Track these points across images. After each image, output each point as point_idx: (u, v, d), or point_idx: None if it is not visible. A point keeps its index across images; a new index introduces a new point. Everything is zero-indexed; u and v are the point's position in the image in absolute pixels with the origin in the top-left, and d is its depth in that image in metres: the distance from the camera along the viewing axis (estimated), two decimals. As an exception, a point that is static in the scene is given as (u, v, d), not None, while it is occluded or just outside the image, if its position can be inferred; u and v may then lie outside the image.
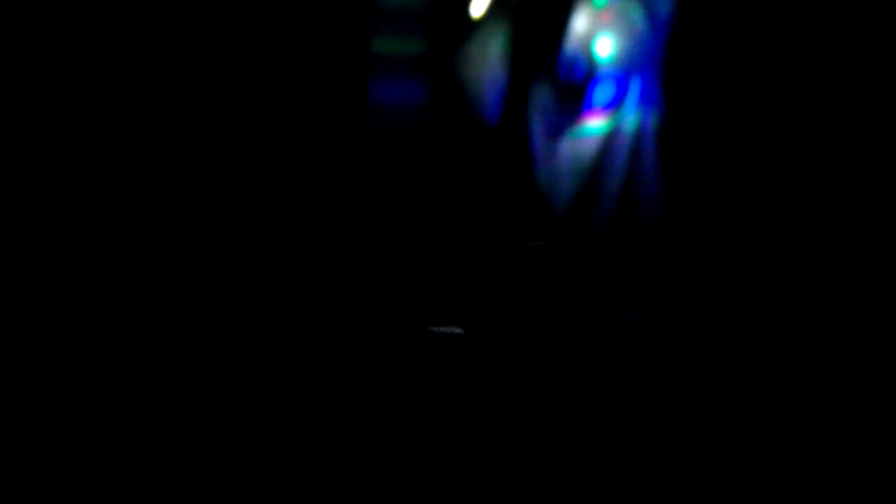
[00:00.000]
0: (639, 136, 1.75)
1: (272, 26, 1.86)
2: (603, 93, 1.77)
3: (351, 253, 1.90)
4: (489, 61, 1.92)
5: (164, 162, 1.81)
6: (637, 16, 1.75)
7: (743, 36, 1.81)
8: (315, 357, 1.84)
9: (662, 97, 1.79)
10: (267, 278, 1.85)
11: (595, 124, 1.77)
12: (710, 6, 1.79)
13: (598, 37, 1.79)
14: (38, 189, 1.73)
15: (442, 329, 1.84)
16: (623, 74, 1.78)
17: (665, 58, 1.77)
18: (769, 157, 1.84)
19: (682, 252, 1.83)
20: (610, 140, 1.78)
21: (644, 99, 1.74)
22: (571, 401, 1.78)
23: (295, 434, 1.78)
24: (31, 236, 1.72)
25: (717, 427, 1.73)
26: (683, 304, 1.80)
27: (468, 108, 1.99)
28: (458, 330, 1.83)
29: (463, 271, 1.98)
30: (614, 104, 1.78)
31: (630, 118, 1.75)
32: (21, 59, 1.70)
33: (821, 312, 1.77)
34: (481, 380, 1.83)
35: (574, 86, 1.82)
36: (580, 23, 1.82)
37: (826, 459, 1.68)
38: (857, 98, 1.76)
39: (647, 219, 1.77)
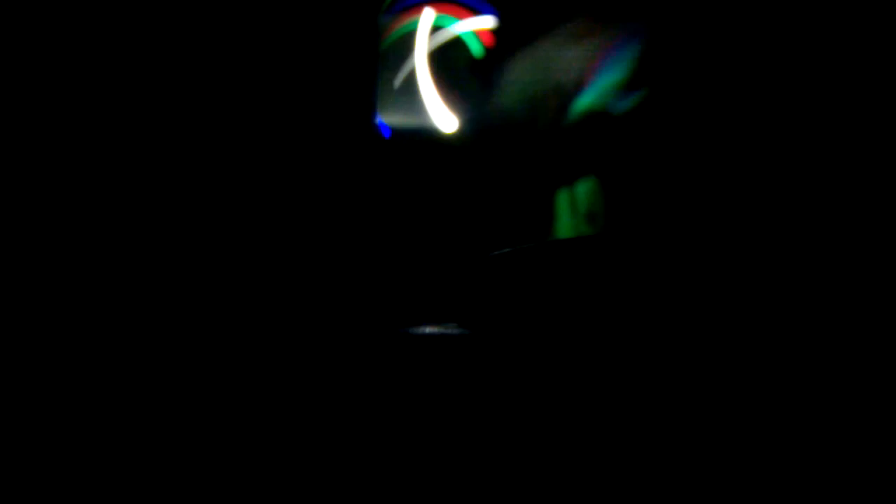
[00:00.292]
0: None
1: (278, 33, 1.90)
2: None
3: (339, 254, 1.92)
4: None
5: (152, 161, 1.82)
6: None
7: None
8: (306, 360, 1.84)
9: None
10: (259, 279, 1.86)
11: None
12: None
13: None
14: (38, 189, 1.75)
15: (428, 330, 1.84)
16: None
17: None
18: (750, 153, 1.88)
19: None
20: None
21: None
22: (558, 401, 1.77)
23: (284, 435, 1.77)
24: (30, 236, 1.73)
25: (707, 429, 1.72)
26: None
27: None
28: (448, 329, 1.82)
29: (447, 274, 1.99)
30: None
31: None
32: (21, 59, 1.72)
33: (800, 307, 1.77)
34: (467, 380, 1.82)
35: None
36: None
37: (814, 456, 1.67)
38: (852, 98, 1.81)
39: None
